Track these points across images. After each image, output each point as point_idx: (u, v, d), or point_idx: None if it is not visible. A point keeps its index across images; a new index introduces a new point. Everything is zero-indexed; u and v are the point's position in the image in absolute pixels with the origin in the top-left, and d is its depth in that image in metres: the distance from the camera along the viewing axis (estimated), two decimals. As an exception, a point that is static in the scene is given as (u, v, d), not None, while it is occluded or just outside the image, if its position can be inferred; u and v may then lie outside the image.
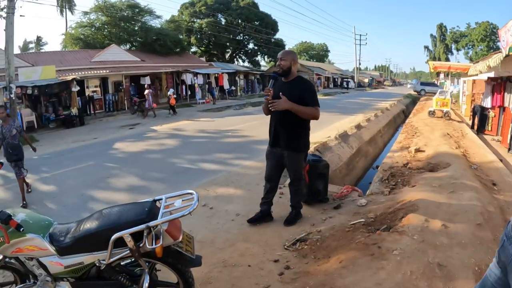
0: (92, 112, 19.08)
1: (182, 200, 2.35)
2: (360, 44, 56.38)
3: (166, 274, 2.56)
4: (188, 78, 23.84)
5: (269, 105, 3.57)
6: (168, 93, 18.53)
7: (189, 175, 6.91)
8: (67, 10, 37.01)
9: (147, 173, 7.17)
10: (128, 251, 2.17)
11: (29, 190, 6.20)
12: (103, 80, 20.33)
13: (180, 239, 2.27)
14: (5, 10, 14.65)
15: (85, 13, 27.98)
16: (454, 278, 2.58)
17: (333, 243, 3.38)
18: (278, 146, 3.78)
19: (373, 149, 11.58)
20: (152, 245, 2.13)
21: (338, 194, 4.88)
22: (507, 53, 6.59)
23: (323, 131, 10.93)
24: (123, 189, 6.26)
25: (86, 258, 2.26)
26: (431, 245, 3.02)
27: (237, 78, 31.59)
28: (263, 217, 4.11)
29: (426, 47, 57.43)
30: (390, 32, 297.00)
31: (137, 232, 2.13)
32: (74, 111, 16.80)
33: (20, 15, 33.47)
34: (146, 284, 2.27)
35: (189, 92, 24.80)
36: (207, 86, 26.03)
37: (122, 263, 2.44)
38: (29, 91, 15.84)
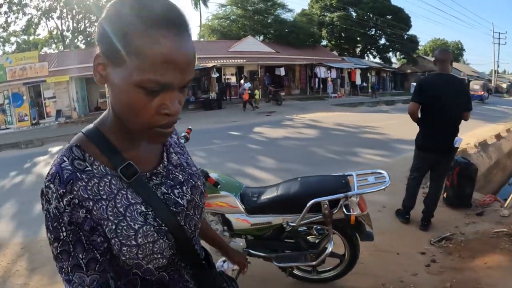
0: (227, 97, 20.47)
1: (375, 177, 2.47)
2: (498, 44, 47.00)
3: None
4: (321, 71, 23.87)
5: None
6: (244, 86, 17.01)
7: (333, 164, 6.87)
8: (201, 3, 38.56)
9: (290, 158, 7.39)
10: (320, 217, 2.34)
11: None
12: (239, 69, 21.67)
13: (366, 212, 2.38)
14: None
15: (222, 5, 30.12)
16: None
17: (477, 246, 3.40)
18: None
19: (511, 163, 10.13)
20: (349, 212, 2.27)
21: (481, 201, 4.77)
22: None
23: (463, 137, 9.66)
24: (268, 169, 6.63)
25: (276, 219, 2.46)
26: None
27: (368, 74, 30.32)
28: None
29: None
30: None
31: (331, 200, 2.29)
32: (213, 95, 18.35)
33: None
34: (330, 249, 2.43)
35: (321, 86, 24.82)
36: (339, 80, 25.58)
37: (299, 229, 2.63)
38: (170, 75, 18.01)
